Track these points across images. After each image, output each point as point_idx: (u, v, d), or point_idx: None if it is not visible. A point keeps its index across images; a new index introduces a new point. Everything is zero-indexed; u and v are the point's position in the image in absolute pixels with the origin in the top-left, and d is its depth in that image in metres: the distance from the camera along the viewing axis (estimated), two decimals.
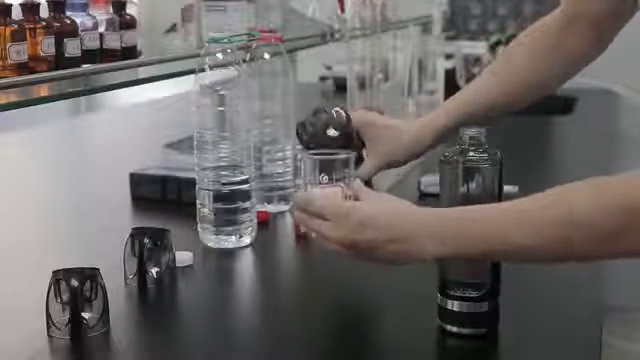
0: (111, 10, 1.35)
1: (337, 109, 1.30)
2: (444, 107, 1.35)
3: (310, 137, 1.28)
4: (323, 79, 3.14)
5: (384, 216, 0.96)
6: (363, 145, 1.32)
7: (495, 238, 0.92)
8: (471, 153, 1.01)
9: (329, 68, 3.07)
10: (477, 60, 2.86)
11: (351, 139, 1.28)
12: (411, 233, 0.95)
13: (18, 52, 1.11)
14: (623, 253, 0.88)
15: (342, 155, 1.07)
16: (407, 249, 0.94)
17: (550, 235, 0.88)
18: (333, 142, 1.25)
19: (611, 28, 1.28)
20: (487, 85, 1.34)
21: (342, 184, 1.04)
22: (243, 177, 1.36)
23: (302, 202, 1.02)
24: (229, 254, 1.36)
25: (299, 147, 1.33)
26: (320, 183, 1.04)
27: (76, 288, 1.03)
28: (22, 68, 1.12)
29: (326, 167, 1.04)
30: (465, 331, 1.02)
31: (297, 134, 1.31)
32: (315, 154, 1.07)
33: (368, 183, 1.29)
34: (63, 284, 1.03)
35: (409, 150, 1.33)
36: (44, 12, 1.19)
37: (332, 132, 1.27)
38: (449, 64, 2.49)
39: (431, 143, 1.31)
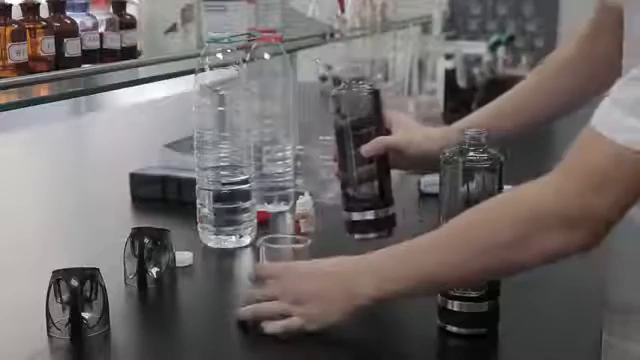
0: (111, 10, 1.35)
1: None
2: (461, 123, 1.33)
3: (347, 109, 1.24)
4: (323, 79, 3.14)
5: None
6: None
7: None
8: (471, 153, 1.01)
9: (329, 68, 3.07)
10: (477, 60, 2.86)
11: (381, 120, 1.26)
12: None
13: (18, 52, 1.11)
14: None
15: (298, 245, 1.14)
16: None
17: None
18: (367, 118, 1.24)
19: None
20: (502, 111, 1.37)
21: None
22: (243, 177, 1.36)
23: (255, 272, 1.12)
24: (229, 254, 1.36)
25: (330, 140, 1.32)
26: None
27: (76, 288, 1.03)
28: (22, 68, 1.12)
29: (283, 256, 1.12)
30: (465, 331, 1.03)
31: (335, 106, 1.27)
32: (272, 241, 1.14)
33: None
34: (63, 284, 1.03)
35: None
36: (44, 12, 1.19)
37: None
38: (449, 64, 2.49)
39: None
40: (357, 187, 1.23)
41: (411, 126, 1.33)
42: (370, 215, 1.23)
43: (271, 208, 1.52)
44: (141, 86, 1.46)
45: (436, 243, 0.98)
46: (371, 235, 1.23)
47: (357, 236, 1.24)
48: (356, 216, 1.23)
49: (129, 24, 1.36)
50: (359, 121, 1.22)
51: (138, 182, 1.66)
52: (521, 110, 1.37)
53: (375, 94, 1.23)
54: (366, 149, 1.22)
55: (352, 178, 1.23)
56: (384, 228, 1.23)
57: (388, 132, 1.26)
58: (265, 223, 1.46)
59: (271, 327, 1.03)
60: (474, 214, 0.96)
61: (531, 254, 0.91)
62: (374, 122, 1.23)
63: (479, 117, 1.34)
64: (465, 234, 0.96)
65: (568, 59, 1.34)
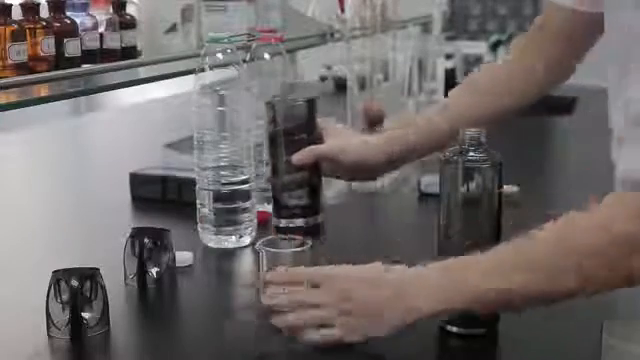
0: (111, 10, 1.35)
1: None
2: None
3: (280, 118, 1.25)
4: (323, 79, 3.14)
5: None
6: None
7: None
8: (471, 153, 1.01)
9: (329, 68, 3.07)
10: (477, 60, 2.86)
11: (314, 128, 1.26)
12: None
13: (18, 52, 1.11)
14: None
15: (299, 248, 1.13)
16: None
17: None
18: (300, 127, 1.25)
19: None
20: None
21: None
22: (243, 177, 1.36)
23: (288, 276, 1.04)
24: (229, 254, 1.36)
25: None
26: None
27: (76, 288, 1.03)
28: (22, 68, 1.12)
29: (282, 260, 1.11)
30: (465, 331, 1.02)
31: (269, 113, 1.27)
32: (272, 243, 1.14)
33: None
34: (63, 284, 1.03)
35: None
36: (44, 12, 1.19)
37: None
38: (449, 64, 2.49)
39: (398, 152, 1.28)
40: (287, 194, 1.24)
41: (344, 134, 1.30)
42: (299, 222, 1.24)
43: (271, 208, 1.52)
44: (141, 86, 1.46)
45: (522, 259, 0.93)
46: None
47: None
48: (284, 223, 1.24)
49: (129, 24, 1.36)
50: (291, 128, 1.23)
51: (138, 182, 1.66)
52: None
53: (310, 102, 1.23)
54: (296, 157, 1.22)
55: (282, 185, 1.24)
56: (312, 236, 1.24)
57: (322, 140, 1.25)
58: (265, 223, 1.45)
59: (309, 336, 0.98)
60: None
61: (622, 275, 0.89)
62: (307, 130, 1.23)
63: (416, 133, 1.30)
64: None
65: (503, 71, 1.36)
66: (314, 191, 1.25)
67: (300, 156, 1.22)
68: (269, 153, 1.26)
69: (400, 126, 1.34)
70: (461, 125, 1.07)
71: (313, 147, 1.23)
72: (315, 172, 1.25)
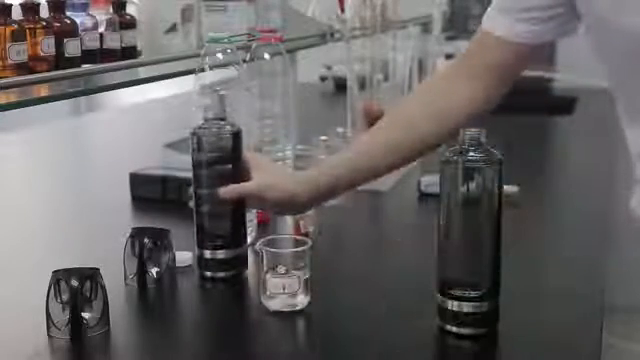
0: (111, 10, 1.35)
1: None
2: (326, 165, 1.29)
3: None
4: (323, 79, 3.14)
5: None
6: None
7: None
8: (471, 153, 1.01)
9: (329, 68, 3.07)
10: None
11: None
12: None
13: (18, 52, 1.11)
14: None
15: (299, 248, 1.12)
16: None
17: None
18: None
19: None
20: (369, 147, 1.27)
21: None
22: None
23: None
24: None
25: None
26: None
27: (76, 288, 1.03)
28: (22, 68, 1.12)
29: (282, 259, 1.11)
30: (465, 331, 1.02)
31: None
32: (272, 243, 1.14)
33: None
34: (63, 284, 1.03)
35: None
36: (44, 12, 1.19)
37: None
38: (448, 64, 2.49)
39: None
40: (211, 225, 1.24)
41: (272, 168, 1.29)
42: (221, 254, 1.24)
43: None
44: (141, 86, 1.46)
45: None
46: (220, 274, 1.24)
47: (208, 273, 1.24)
48: (207, 254, 1.24)
49: (129, 24, 1.36)
50: (216, 159, 1.22)
51: (138, 182, 1.66)
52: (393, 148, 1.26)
53: (235, 135, 1.23)
54: (222, 193, 1.21)
55: (206, 215, 1.24)
56: (234, 268, 1.25)
57: (247, 173, 1.23)
58: (265, 223, 1.46)
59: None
60: None
61: None
62: (232, 161, 1.23)
63: (345, 157, 1.28)
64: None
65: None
66: (238, 222, 1.25)
67: (226, 194, 1.21)
68: (193, 181, 1.25)
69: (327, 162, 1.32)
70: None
71: (238, 186, 1.21)
72: (239, 204, 1.24)
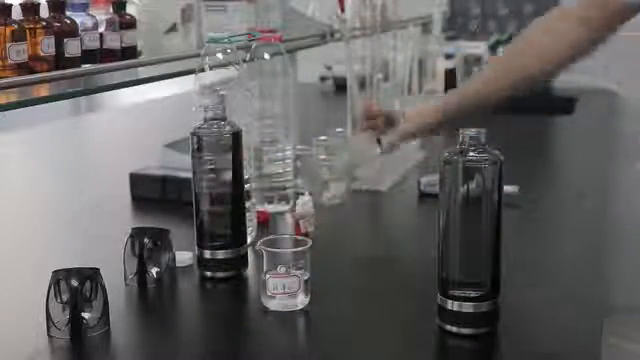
0: (111, 10, 1.35)
1: None
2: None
3: None
4: (323, 79, 3.14)
5: None
6: None
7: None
8: (471, 153, 1.01)
9: (329, 68, 3.07)
10: (477, 60, 2.86)
11: None
12: None
13: (18, 52, 1.11)
14: None
15: (299, 248, 1.13)
16: None
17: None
18: None
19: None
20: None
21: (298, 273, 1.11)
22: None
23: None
24: None
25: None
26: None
27: (76, 288, 1.03)
28: (22, 68, 1.12)
29: (282, 259, 1.11)
30: (465, 331, 1.02)
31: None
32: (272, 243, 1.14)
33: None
34: (63, 284, 1.03)
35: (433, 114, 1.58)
36: (44, 12, 1.19)
37: None
38: (449, 64, 2.49)
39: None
40: (211, 225, 1.24)
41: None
42: (220, 255, 1.24)
43: (271, 208, 1.52)
44: (141, 86, 1.46)
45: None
46: (220, 274, 1.24)
47: (208, 273, 1.24)
48: (207, 254, 1.24)
49: (129, 24, 1.36)
50: (217, 159, 1.23)
51: (138, 182, 1.66)
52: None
53: (235, 135, 1.23)
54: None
55: (207, 215, 1.24)
56: (235, 268, 1.25)
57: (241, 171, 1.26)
58: (265, 223, 1.46)
59: None
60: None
61: None
62: (232, 162, 1.23)
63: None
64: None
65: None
66: (238, 222, 1.25)
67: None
68: (193, 185, 1.25)
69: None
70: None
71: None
72: (239, 204, 1.25)
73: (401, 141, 1.65)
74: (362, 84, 1.81)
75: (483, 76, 1.62)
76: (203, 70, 1.32)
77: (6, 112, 1.09)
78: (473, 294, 1.02)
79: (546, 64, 1.46)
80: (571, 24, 1.42)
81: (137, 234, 1.22)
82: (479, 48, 2.94)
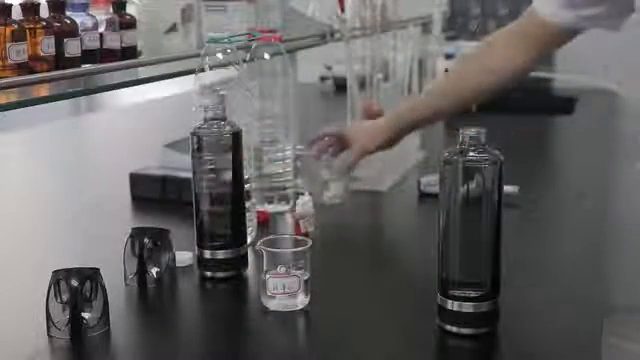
0: (111, 10, 1.35)
1: None
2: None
3: None
4: (323, 79, 3.14)
5: None
6: None
7: None
8: (471, 153, 1.01)
9: (329, 68, 3.07)
10: None
11: None
12: None
13: (18, 52, 1.11)
14: None
15: (299, 248, 1.13)
16: None
17: None
18: None
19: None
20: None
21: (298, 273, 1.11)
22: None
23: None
24: None
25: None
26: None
27: (76, 288, 1.03)
28: (22, 68, 1.12)
29: (282, 259, 1.11)
30: (465, 331, 1.02)
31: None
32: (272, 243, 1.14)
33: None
34: (63, 284, 1.03)
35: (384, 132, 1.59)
36: (44, 12, 1.19)
37: None
38: (449, 64, 2.49)
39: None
40: (210, 225, 1.24)
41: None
42: (220, 255, 1.24)
43: (271, 208, 1.52)
44: (141, 86, 1.46)
45: None
46: (220, 274, 1.24)
47: (208, 273, 1.24)
48: (207, 254, 1.24)
49: (129, 24, 1.36)
50: (217, 159, 1.23)
51: (138, 182, 1.66)
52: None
53: (235, 135, 1.23)
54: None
55: (207, 215, 1.24)
56: (234, 268, 1.24)
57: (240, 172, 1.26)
58: (265, 223, 1.46)
59: None
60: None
61: None
62: (232, 162, 1.23)
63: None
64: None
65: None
66: (238, 222, 1.25)
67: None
68: (193, 181, 1.25)
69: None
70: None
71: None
72: (239, 204, 1.25)
73: (358, 160, 1.61)
74: (362, 84, 1.81)
75: (435, 90, 1.68)
76: (203, 70, 1.32)
77: (6, 112, 1.09)
78: (473, 294, 1.02)
79: (487, 84, 1.52)
80: (505, 45, 1.49)
81: (137, 234, 1.22)
82: None
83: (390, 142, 1.59)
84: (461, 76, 1.58)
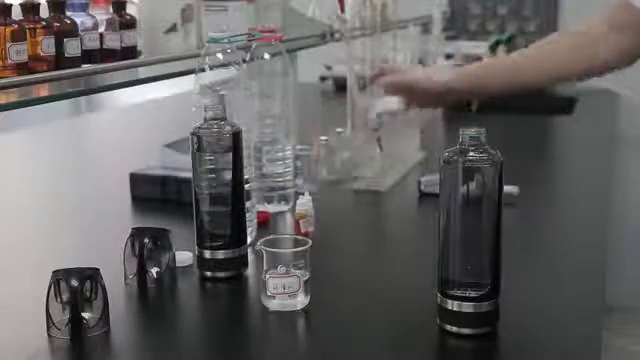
0: (111, 10, 1.35)
1: None
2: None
3: None
4: (323, 79, 3.14)
5: None
6: None
7: None
8: (471, 153, 1.01)
9: (329, 68, 3.07)
10: (477, 60, 2.86)
11: None
12: None
13: (18, 52, 1.11)
14: None
15: (299, 248, 1.13)
16: None
17: None
18: None
19: None
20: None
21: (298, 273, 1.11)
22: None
23: None
24: None
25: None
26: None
27: (76, 288, 1.03)
28: (22, 68, 1.12)
29: (282, 259, 1.11)
30: (465, 331, 1.03)
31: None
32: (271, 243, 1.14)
33: None
34: (63, 284, 1.03)
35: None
36: (44, 12, 1.19)
37: None
38: (449, 64, 2.49)
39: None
40: (210, 225, 1.24)
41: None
42: (220, 255, 1.24)
43: (271, 208, 1.52)
44: (141, 86, 1.46)
45: None
46: (220, 274, 1.24)
47: (208, 273, 1.24)
48: (207, 254, 1.24)
49: (129, 24, 1.36)
50: (217, 159, 1.23)
51: (138, 182, 1.66)
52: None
53: (235, 135, 1.23)
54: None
55: (207, 215, 1.24)
56: (234, 268, 1.24)
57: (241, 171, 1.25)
58: (265, 223, 1.46)
59: None
60: None
61: None
62: (232, 162, 1.23)
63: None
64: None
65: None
66: (238, 222, 1.24)
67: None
68: (193, 181, 1.25)
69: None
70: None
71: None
72: (239, 204, 1.24)
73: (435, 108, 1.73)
74: (362, 84, 1.81)
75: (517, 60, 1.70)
76: (203, 70, 1.32)
77: (6, 112, 1.09)
78: (473, 294, 1.02)
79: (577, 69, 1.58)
80: (602, 31, 1.51)
81: (137, 234, 1.22)
82: (479, 48, 2.94)
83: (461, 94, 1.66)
84: (566, 58, 1.58)
